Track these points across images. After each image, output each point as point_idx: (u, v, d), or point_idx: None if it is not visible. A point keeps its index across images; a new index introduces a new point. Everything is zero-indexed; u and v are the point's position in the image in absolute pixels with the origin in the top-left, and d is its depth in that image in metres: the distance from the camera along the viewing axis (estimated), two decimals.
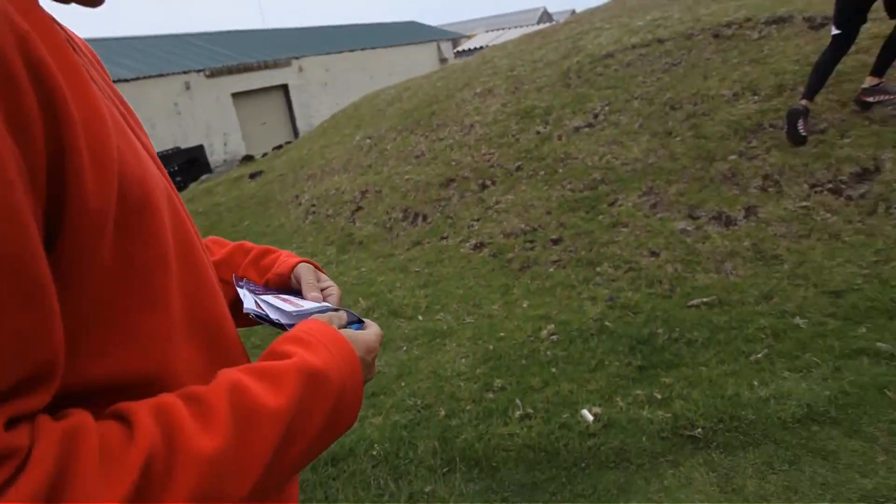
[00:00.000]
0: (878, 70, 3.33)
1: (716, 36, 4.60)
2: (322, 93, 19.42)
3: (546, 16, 33.38)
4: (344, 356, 0.53)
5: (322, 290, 0.75)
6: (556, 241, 3.52)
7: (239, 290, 0.73)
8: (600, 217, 3.51)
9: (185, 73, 15.14)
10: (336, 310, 0.67)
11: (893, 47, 3.21)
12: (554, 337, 2.67)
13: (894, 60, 3.26)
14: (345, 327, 0.63)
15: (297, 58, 18.67)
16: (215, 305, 0.59)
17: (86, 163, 0.39)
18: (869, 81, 3.36)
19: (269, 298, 0.72)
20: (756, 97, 3.84)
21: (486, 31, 21.86)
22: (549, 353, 2.54)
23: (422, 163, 5.16)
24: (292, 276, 0.77)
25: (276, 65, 17.86)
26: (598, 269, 3.16)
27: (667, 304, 2.76)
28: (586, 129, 4.31)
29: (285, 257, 0.81)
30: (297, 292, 0.76)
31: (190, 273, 0.54)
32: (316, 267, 0.80)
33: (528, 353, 2.58)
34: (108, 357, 0.43)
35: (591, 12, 7.31)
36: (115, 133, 0.44)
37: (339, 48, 20.52)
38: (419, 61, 22.49)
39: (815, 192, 3.06)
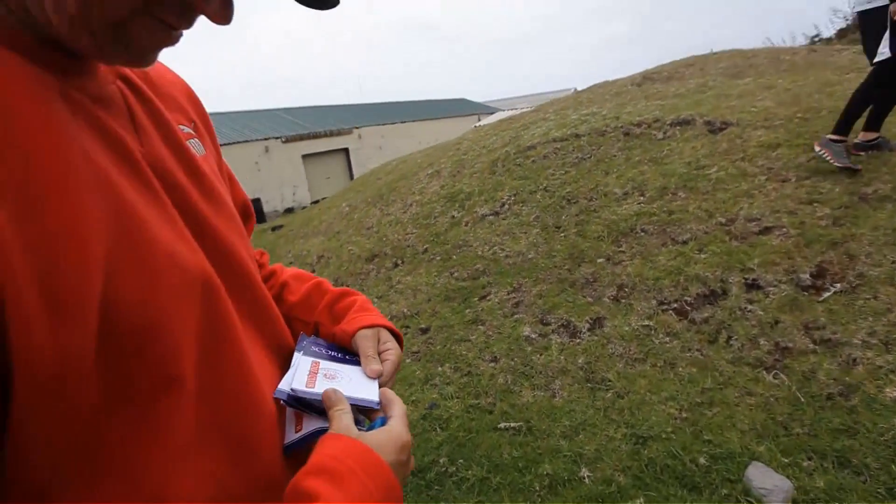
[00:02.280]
0: (870, 125, 2.63)
1: (626, 134, 3.96)
2: (377, 155, 19.72)
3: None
4: (381, 482, 0.38)
5: (381, 353, 0.57)
6: (424, 331, 2.98)
7: (296, 354, 0.53)
8: (467, 311, 2.95)
9: (265, 139, 15.81)
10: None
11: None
12: None
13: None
14: (369, 427, 0.47)
15: (357, 127, 19.14)
16: (245, 402, 0.42)
17: (33, 319, 0.27)
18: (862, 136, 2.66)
19: (335, 367, 0.53)
20: (642, 197, 3.18)
21: (506, 110, 21.47)
22: None
23: (367, 235, 4.77)
24: (353, 343, 0.58)
25: (339, 133, 18.36)
26: (441, 367, 2.60)
27: (479, 422, 2.16)
28: (491, 217, 3.77)
29: (356, 312, 0.62)
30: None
31: (215, 377, 0.39)
32: (387, 326, 0.61)
33: None
34: (90, 499, 0.31)
35: (551, 103, 6.76)
36: (110, 254, 0.32)
37: (393, 120, 20.90)
38: (461, 131, 22.53)
39: (661, 311, 2.37)
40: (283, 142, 16.24)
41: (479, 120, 25.30)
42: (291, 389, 0.47)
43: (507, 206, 3.81)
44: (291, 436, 0.47)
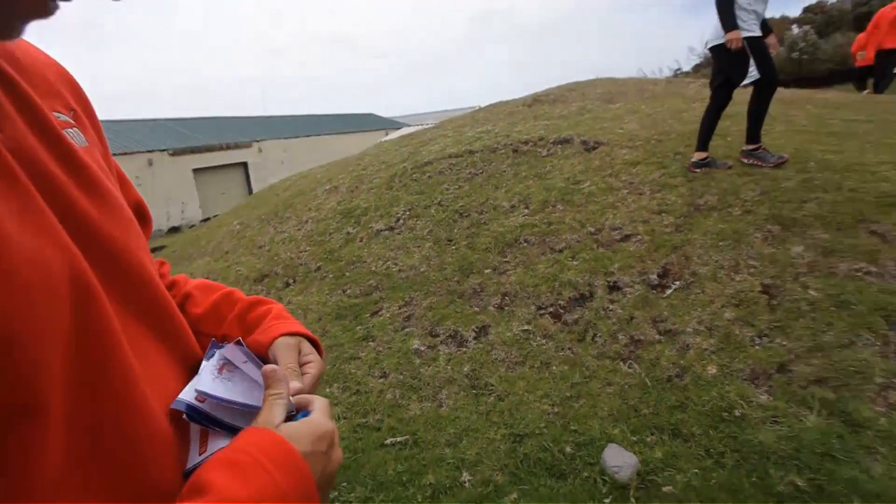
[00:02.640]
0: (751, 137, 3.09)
1: (515, 151, 4.29)
2: (280, 169, 18.94)
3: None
4: (290, 471, 0.36)
5: (302, 365, 0.52)
6: None
7: (203, 362, 0.47)
8: (358, 328, 2.94)
9: (149, 151, 14.40)
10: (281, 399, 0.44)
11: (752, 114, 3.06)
12: None
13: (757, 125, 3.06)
14: (290, 419, 0.43)
15: (258, 140, 18.26)
16: (131, 426, 0.37)
17: None
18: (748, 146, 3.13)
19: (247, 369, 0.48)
20: (527, 210, 3.46)
21: (410, 126, 22.09)
22: None
23: (258, 254, 4.55)
24: (269, 353, 0.52)
25: (237, 146, 17.36)
26: (329, 389, 2.55)
27: (366, 441, 2.15)
28: (386, 233, 3.82)
29: (272, 320, 0.56)
30: None
31: (90, 399, 0.34)
32: (307, 335, 0.56)
33: None
34: None
35: (451, 120, 7.10)
36: None
37: (297, 134, 20.29)
38: (368, 146, 22.52)
39: (539, 315, 2.58)
40: (171, 154, 14.93)
41: (387, 135, 25.57)
42: (195, 390, 0.42)
43: (402, 221, 3.89)
44: (195, 459, 0.41)
